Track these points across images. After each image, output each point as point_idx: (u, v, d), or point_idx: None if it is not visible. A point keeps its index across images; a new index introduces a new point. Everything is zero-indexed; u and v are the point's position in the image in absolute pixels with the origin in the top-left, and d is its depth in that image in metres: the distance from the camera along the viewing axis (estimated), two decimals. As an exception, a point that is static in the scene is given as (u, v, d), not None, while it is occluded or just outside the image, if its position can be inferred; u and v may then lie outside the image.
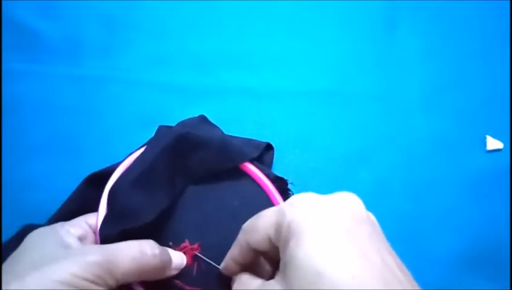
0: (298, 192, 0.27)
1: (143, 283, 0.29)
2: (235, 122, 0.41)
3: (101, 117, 0.41)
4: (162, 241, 0.30)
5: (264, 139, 0.38)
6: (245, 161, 0.35)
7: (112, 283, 0.25)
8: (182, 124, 0.36)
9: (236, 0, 0.45)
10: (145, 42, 0.43)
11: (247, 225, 0.27)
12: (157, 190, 0.32)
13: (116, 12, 0.44)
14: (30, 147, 0.39)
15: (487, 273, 0.38)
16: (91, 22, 0.43)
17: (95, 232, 0.30)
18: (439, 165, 0.41)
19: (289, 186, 0.37)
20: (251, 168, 0.35)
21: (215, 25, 0.45)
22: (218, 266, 0.30)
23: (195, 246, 0.31)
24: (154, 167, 0.32)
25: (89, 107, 0.41)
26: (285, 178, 0.36)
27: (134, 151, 0.34)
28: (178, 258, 0.30)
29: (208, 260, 0.31)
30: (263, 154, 0.38)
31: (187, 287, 0.30)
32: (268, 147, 0.39)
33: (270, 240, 0.25)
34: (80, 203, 0.33)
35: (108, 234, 0.30)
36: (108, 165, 0.34)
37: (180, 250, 0.31)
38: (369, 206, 0.25)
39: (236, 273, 0.28)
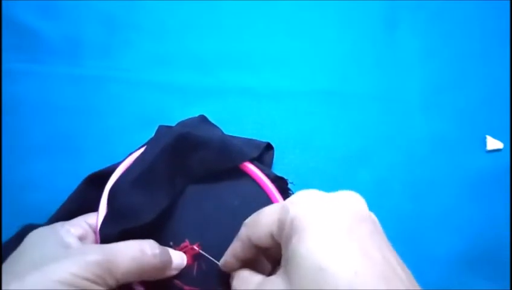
0: (298, 192, 0.27)
1: (143, 283, 0.29)
2: (235, 122, 0.41)
3: (101, 117, 0.41)
4: (162, 241, 0.30)
5: (264, 139, 0.38)
6: (245, 161, 0.35)
7: (112, 282, 0.25)
8: (181, 124, 0.36)
9: (236, 0, 0.45)
10: (145, 42, 0.43)
11: (250, 220, 0.27)
12: (157, 190, 0.32)
13: (116, 12, 0.44)
14: (30, 147, 0.39)
15: (487, 273, 0.38)
16: (91, 22, 0.43)
17: (95, 232, 0.30)
18: (439, 165, 0.41)
19: (289, 186, 0.37)
20: (251, 168, 0.35)
21: (215, 25, 0.45)
22: (217, 262, 0.30)
23: (196, 245, 0.31)
24: (154, 167, 0.32)
25: (89, 107, 0.41)
26: (285, 178, 0.36)
27: (134, 151, 0.34)
28: (178, 258, 0.30)
29: (209, 256, 0.31)
30: (263, 154, 0.38)
31: (186, 287, 0.30)
32: (268, 147, 0.39)
33: (272, 236, 0.25)
34: (80, 203, 0.33)
35: (108, 234, 0.30)
36: (108, 165, 0.34)
37: (180, 250, 0.31)
38: (369, 206, 0.25)
39: (235, 269, 0.28)
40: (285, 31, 0.45)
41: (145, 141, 0.35)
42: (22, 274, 0.23)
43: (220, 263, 0.29)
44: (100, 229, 0.30)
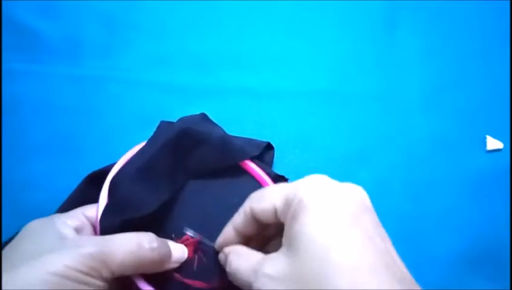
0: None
1: (143, 275, 0.29)
2: (235, 122, 0.41)
3: (101, 117, 0.41)
4: (164, 234, 0.30)
5: (264, 139, 0.38)
6: (246, 159, 0.35)
7: (107, 275, 0.25)
8: (182, 120, 0.36)
9: (236, 0, 0.45)
10: (145, 42, 0.43)
11: (255, 193, 0.27)
12: (158, 183, 0.32)
13: (116, 12, 0.44)
14: (30, 147, 0.39)
15: (487, 273, 0.38)
16: (91, 22, 0.43)
17: (94, 224, 0.30)
18: (439, 165, 0.41)
19: (289, 185, 0.37)
20: (252, 166, 0.35)
21: (215, 25, 0.45)
22: (213, 245, 0.30)
23: (196, 239, 0.31)
24: (155, 161, 0.32)
25: (89, 107, 0.41)
26: (286, 176, 0.36)
27: (134, 147, 0.34)
28: (179, 251, 0.30)
29: (209, 243, 0.30)
30: (263, 153, 0.38)
31: (186, 280, 0.30)
32: (269, 147, 0.39)
33: (275, 212, 0.25)
34: (80, 202, 0.33)
35: (108, 225, 0.29)
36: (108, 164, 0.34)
37: (181, 243, 0.31)
38: (369, 206, 0.25)
39: (229, 244, 0.28)
40: (285, 31, 0.45)
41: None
42: (17, 264, 0.23)
43: (219, 237, 0.29)
44: (100, 220, 0.30)
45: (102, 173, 0.33)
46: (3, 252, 0.25)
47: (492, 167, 0.42)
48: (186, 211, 0.33)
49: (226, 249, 0.28)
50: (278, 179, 0.36)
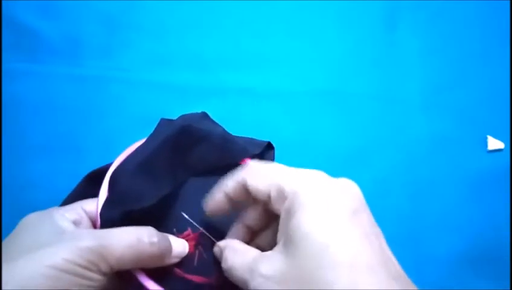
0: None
1: (144, 269, 0.29)
2: (235, 122, 0.41)
3: (101, 117, 0.41)
4: (165, 228, 0.29)
5: (264, 139, 0.38)
6: (246, 157, 0.35)
7: (106, 269, 0.25)
8: (183, 118, 0.36)
9: (236, 0, 0.45)
10: (145, 42, 0.43)
11: (252, 166, 0.27)
12: (158, 177, 0.32)
13: (116, 12, 0.44)
14: (30, 147, 0.39)
15: (487, 273, 0.38)
16: (91, 22, 0.43)
17: (93, 218, 0.30)
18: (440, 165, 0.41)
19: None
20: None
21: (215, 25, 0.45)
22: (216, 241, 0.29)
23: (197, 234, 0.31)
24: (155, 157, 0.32)
25: (89, 107, 0.41)
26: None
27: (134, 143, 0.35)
28: (180, 246, 0.29)
29: (210, 236, 0.30)
30: (264, 153, 0.38)
31: (187, 276, 0.30)
32: (269, 147, 0.39)
33: (268, 196, 0.25)
34: (80, 200, 0.33)
35: (109, 218, 0.29)
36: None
37: (182, 238, 0.31)
38: (369, 206, 0.25)
39: (216, 211, 0.28)
40: (285, 31, 0.45)
41: (145, 140, 0.35)
42: (15, 258, 0.23)
43: (207, 202, 0.29)
44: (101, 213, 0.29)
45: (102, 172, 0.33)
46: (1, 244, 0.25)
47: (493, 167, 0.42)
48: (187, 207, 0.33)
49: (222, 244, 0.28)
50: None
